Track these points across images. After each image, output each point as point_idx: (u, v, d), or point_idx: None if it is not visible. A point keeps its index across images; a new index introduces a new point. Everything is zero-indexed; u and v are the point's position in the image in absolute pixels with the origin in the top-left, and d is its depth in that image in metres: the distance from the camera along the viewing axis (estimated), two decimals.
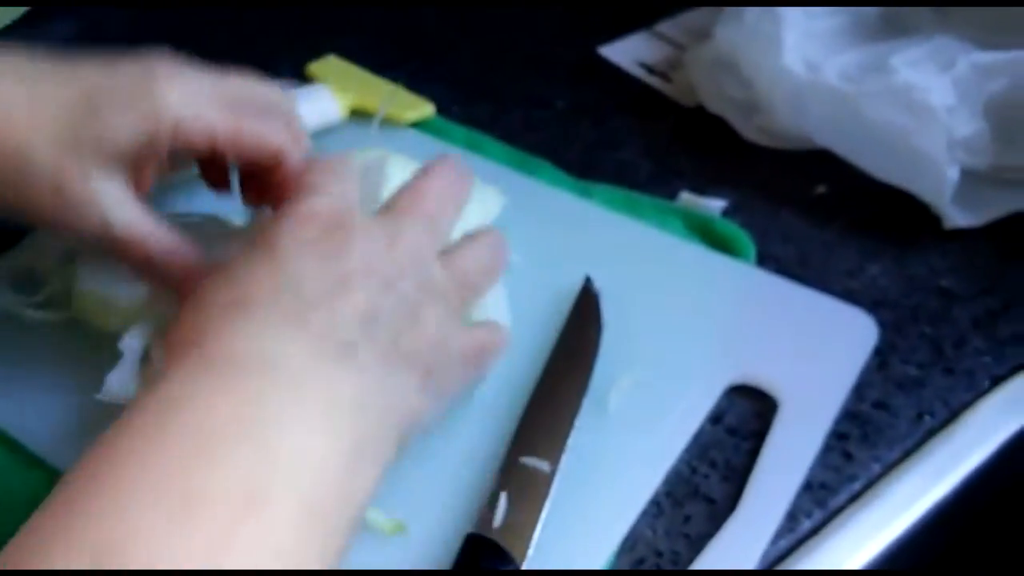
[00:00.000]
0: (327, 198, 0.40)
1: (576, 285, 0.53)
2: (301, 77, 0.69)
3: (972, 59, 0.57)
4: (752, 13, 0.62)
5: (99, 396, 0.45)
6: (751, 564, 0.42)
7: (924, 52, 0.58)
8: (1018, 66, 0.56)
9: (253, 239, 0.39)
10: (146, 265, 0.45)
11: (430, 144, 0.64)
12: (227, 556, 0.28)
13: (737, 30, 0.62)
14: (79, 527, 0.28)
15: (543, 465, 0.44)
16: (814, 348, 0.50)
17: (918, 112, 0.55)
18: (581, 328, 0.51)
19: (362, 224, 0.40)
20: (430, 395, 0.40)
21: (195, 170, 0.52)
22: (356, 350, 0.37)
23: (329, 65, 0.70)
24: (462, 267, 0.43)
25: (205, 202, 0.54)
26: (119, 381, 0.45)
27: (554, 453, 0.45)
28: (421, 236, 0.42)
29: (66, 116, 0.43)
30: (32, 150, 0.42)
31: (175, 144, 0.44)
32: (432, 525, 0.44)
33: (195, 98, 0.44)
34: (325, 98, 0.65)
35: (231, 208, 0.52)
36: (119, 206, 0.44)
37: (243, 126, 0.45)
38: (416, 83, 0.67)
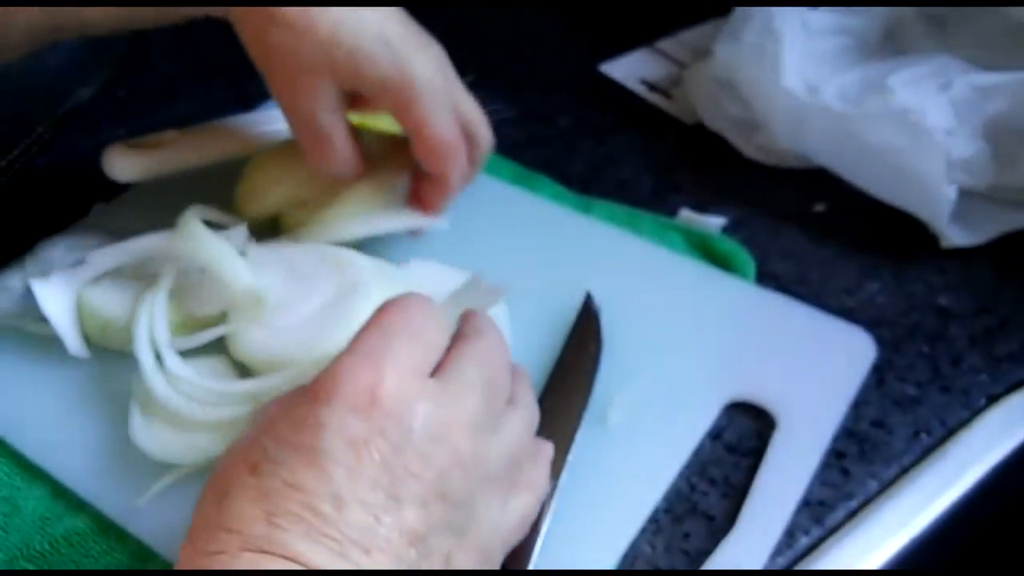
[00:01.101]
0: (376, 362, 0.35)
1: (577, 300, 0.53)
2: None
3: (970, 80, 0.57)
4: (751, 32, 0.62)
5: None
6: None
7: (923, 73, 0.58)
8: (1016, 87, 0.56)
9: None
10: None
11: None
12: None
13: (737, 49, 0.63)
14: None
15: None
16: (812, 365, 0.51)
17: (916, 133, 0.56)
18: (582, 344, 0.51)
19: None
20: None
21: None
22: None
23: None
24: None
25: (170, 217, 0.54)
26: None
27: (554, 468, 0.45)
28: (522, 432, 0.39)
29: None
30: None
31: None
32: None
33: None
34: None
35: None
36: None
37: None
38: None
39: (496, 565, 0.38)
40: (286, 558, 0.31)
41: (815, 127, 0.59)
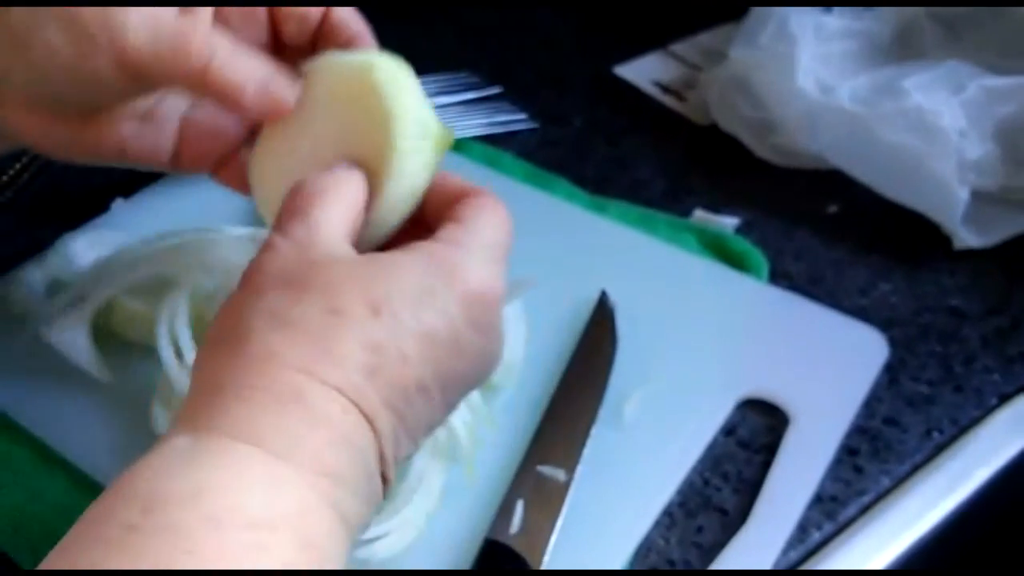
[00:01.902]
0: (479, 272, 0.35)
1: (591, 299, 0.54)
2: None
3: (982, 83, 0.58)
4: (767, 35, 0.63)
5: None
6: None
7: (935, 76, 0.59)
8: None
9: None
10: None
11: (447, 160, 0.65)
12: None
13: (752, 52, 0.64)
14: None
15: (559, 473, 0.45)
16: (825, 364, 0.51)
17: (929, 134, 0.56)
18: (596, 341, 0.52)
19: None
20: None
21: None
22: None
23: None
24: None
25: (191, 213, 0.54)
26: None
27: (570, 462, 0.46)
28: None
29: None
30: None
31: None
32: (449, 530, 0.45)
33: None
34: None
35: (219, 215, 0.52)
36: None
37: None
38: None
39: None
40: (366, 418, 0.31)
41: (829, 128, 0.60)
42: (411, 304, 0.33)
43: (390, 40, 0.80)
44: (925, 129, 0.57)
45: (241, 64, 0.38)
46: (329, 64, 0.39)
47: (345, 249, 0.34)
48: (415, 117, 0.38)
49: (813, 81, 0.61)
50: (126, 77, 0.37)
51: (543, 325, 0.52)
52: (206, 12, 0.38)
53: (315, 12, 0.41)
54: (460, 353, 0.34)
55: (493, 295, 0.35)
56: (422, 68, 0.74)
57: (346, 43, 0.42)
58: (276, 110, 0.39)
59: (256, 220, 0.55)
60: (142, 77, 0.37)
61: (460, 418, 0.46)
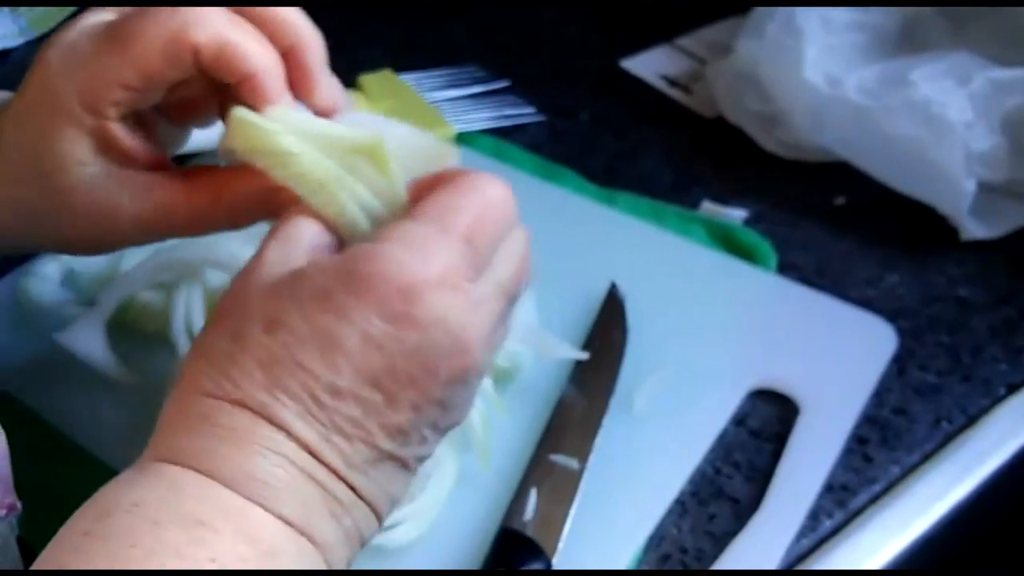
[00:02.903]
0: (422, 261, 0.33)
1: (601, 290, 0.54)
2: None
3: (989, 75, 0.58)
4: (773, 28, 0.63)
5: None
6: (774, 562, 0.44)
7: (942, 68, 0.59)
8: None
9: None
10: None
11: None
12: None
13: (759, 44, 0.64)
14: None
15: (572, 463, 0.46)
16: (834, 354, 0.52)
17: (936, 126, 0.57)
18: (607, 332, 0.52)
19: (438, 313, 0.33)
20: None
21: None
22: (361, 492, 0.33)
23: (379, 79, 0.71)
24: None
25: None
26: None
27: (583, 451, 0.46)
28: (494, 309, 0.35)
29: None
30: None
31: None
32: (464, 517, 0.45)
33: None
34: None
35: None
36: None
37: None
38: None
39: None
40: (278, 427, 0.32)
41: (836, 120, 0.60)
42: (304, 312, 0.33)
43: (398, 35, 0.81)
44: (932, 121, 0.57)
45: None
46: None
47: (278, 270, 0.34)
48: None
49: (820, 74, 0.61)
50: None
51: (553, 316, 0.53)
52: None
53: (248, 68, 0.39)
54: (381, 349, 0.32)
55: (415, 285, 0.32)
56: (431, 62, 0.75)
57: (322, 113, 0.41)
58: None
59: None
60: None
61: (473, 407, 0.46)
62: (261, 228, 0.52)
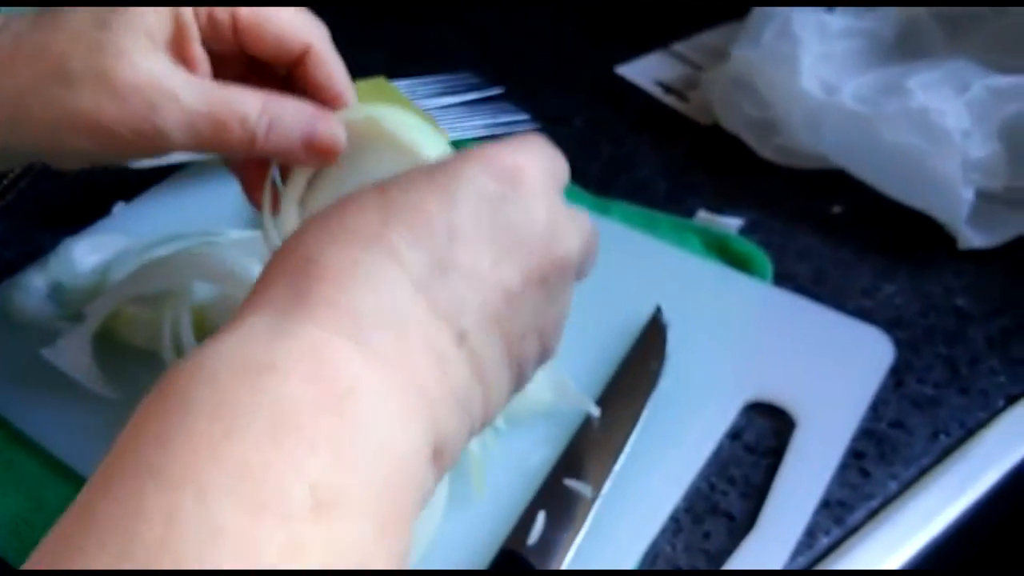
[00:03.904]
0: (524, 154, 0.35)
1: (596, 303, 0.53)
2: None
3: (987, 82, 0.58)
4: (770, 34, 0.63)
5: None
6: None
7: (939, 75, 0.58)
8: None
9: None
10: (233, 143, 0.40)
11: None
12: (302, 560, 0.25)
13: (754, 51, 0.63)
14: (123, 524, 0.24)
15: (586, 489, 0.45)
16: (831, 366, 0.51)
17: (933, 134, 0.56)
18: (643, 358, 0.51)
19: (545, 195, 0.34)
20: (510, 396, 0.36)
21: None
22: (469, 341, 0.32)
23: (373, 86, 0.71)
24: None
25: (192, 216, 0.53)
26: None
27: (599, 479, 0.45)
28: (583, 228, 0.37)
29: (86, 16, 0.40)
30: (66, 56, 0.38)
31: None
32: (466, 535, 0.44)
33: None
34: None
35: (220, 218, 0.52)
36: (176, 78, 0.39)
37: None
38: None
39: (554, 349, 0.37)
40: (386, 252, 0.31)
41: (832, 128, 0.60)
42: (416, 177, 0.33)
43: (392, 40, 0.80)
44: (929, 129, 0.56)
45: (287, 121, 0.40)
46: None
47: None
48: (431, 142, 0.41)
49: (816, 81, 0.61)
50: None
51: None
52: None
53: (296, 44, 0.42)
54: (491, 205, 0.33)
55: (520, 165, 0.34)
56: (424, 68, 0.74)
57: (328, 102, 0.43)
58: (331, 154, 0.41)
59: (257, 224, 0.55)
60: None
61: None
62: (256, 242, 0.52)
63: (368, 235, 0.31)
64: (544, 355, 0.37)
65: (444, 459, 0.31)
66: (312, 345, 0.28)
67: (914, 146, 0.57)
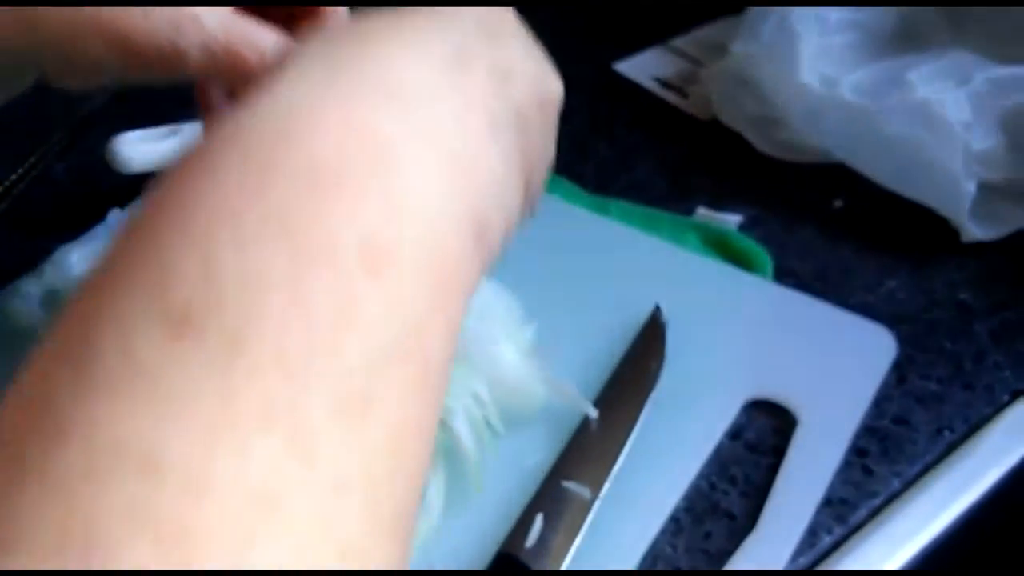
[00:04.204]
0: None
1: (596, 302, 0.53)
2: None
3: (988, 74, 0.57)
4: (769, 29, 0.62)
5: None
6: None
7: (940, 67, 0.58)
8: None
9: None
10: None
11: None
12: (352, 331, 0.23)
13: (754, 46, 0.63)
14: (152, 279, 0.22)
15: (584, 491, 0.44)
16: (832, 363, 0.50)
17: (935, 126, 0.55)
18: (642, 358, 0.50)
19: None
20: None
21: None
22: (499, 131, 0.31)
23: None
24: None
25: None
26: None
27: (597, 481, 0.45)
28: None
29: None
30: None
31: None
32: (463, 538, 0.44)
33: None
34: None
35: None
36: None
37: None
38: None
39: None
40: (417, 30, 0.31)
41: (833, 121, 0.59)
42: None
43: None
44: (930, 121, 0.56)
45: None
46: None
47: None
48: None
49: (816, 75, 0.60)
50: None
51: (544, 326, 0.52)
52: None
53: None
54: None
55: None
56: None
57: None
58: None
59: None
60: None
61: (466, 423, 0.45)
62: None
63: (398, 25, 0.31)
64: (534, 195, 0.36)
65: (485, 241, 0.29)
66: (346, 108, 0.26)
67: (915, 139, 0.56)
